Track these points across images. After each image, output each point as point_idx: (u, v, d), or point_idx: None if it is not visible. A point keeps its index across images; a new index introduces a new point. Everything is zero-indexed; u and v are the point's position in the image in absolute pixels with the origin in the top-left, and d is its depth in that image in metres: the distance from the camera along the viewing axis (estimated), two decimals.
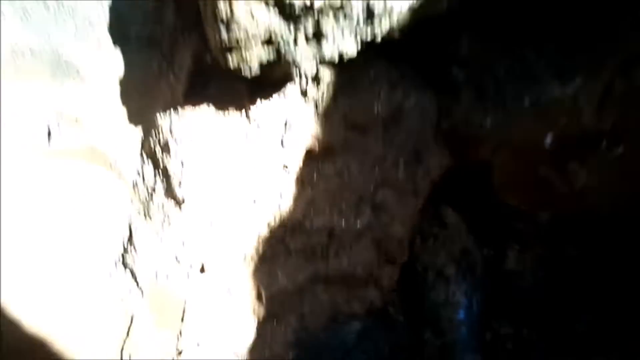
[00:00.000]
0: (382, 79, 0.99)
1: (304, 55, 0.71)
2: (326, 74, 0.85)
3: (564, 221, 1.27)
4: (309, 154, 0.90)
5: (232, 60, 0.67)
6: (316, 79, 0.83)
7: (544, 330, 1.32)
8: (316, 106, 0.87)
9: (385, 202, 1.07)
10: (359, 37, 0.70)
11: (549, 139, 1.14)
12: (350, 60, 0.91)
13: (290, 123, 0.86)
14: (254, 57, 0.68)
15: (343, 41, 0.69)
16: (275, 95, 0.83)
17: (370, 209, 1.05)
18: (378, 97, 0.98)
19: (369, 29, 0.70)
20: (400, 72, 1.02)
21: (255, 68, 0.70)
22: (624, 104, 1.16)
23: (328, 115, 0.87)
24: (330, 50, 0.71)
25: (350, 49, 0.72)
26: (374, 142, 1.03)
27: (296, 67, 0.73)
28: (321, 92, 0.86)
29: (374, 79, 0.97)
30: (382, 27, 0.71)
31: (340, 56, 0.74)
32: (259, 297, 0.96)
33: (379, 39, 0.73)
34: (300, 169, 0.90)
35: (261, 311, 0.98)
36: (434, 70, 1.06)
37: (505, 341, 1.33)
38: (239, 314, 0.96)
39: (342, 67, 0.88)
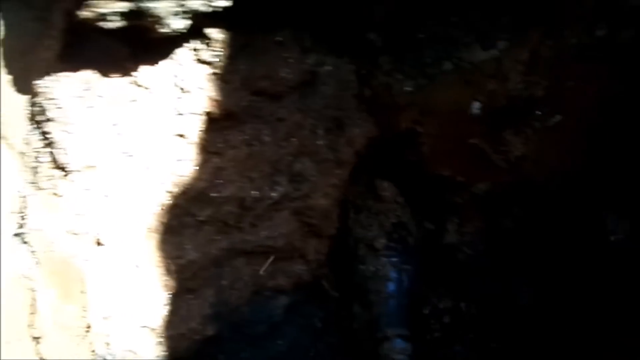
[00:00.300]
0: (291, 44, 0.95)
1: (166, 10, 0.67)
2: (217, 36, 0.81)
3: (502, 192, 1.23)
4: (211, 121, 0.86)
5: (90, 13, 0.64)
6: (204, 40, 0.79)
7: (483, 304, 1.30)
8: (213, 70, 0.83)
9: (304, 172, 1.03)
10: None
11: (476, 106, 1.10)
12: (252, 23, 0.88)
13: (184, 88, 0.82)
14: (112, 10, 0.64)
15: None
16: (164, 59, 0.79)
17: (288, 179, 1.02)
18: (286, 63, 0.94)
19: None
20: (313, 37, 0.98)
21: (116, 22, 0.66)
22: (555, 69, 1.12)
23: (226, 80, 0.83)
24: (196, 3, 0.67)
25: (221, 1, 0.68)
26: (287, 110, 0.99)
27: (164, 24, 0.69)
28: (216, 55, 0.82)
29: (281, 44, 0.93)
30: None
31: (216, 11, 0.70)
32: (168, 270, 0.93)
33: None
34: (202, 136, 0.86)
35: (173, 285, 0.94)
36: (351, 36, 1.02)
37: (443, 315, 1.30)
38: (148, 288, 0.93)
39: (240, 30, 0.84)
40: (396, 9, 0.97)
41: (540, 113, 1.17)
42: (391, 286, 1.12)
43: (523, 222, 1.28)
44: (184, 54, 0.80)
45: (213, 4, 0.67)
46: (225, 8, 0.69)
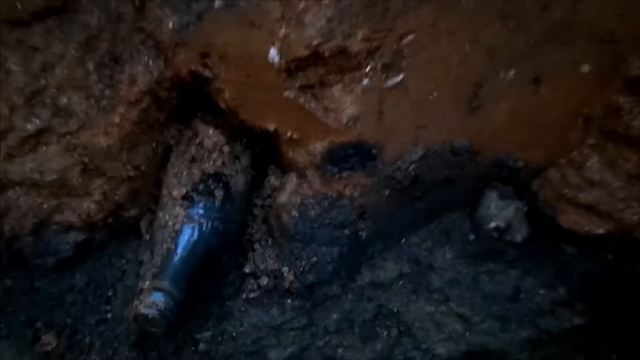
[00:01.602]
0: None
1: None
2: None
3: (342, 157, 1.11)
4: None
5: None
6: None
7: (305, 270, 1.22)
8: None
9: (71, 108, 0.97)
10: None
11: (273, 54, 0.98)
12: None
13: None
14: None
15: None
16: None
17: (51, 113, 0.97)
18: None
19: None
20: None
21: None
22: (383, 17, 0.95)
23: None
24: None
25: None
26: (42, 38, 0.93)
27: None
28: None
29: None
30: None
31: None
32: None
33: None
34: None
35: None
36: None
37: (262, 276, 1.24)
38: None
39: None
40: None
41: (368, 69, 1.02)
42: (178, 238, 1.06)
43: (370, 193, 1.16)
44: None
45: None
46: None
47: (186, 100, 1.10)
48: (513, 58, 0.99)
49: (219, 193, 1.06)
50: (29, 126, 0.91)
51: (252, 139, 1.16)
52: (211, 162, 1.09)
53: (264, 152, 1.23)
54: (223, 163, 1.10)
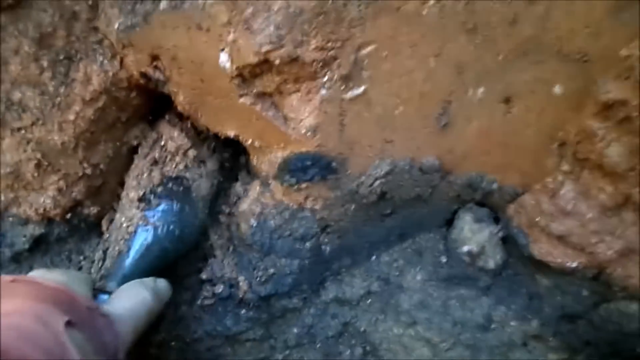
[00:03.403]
0: None
1: None
2: None
3: (302, 167, 1.08)
4: None
5: None
6: None
7: (262, 281, 1.18)
8: None
9: (25, 102, 0.97)
10: None
11: (224, 60, 0.95)
12: None
13: None
14: None
15: None
16: None
17: (4, 106, 0.98)
18: None
19: None
20: None
21: None
22: (323, 29, 0.91)
23: None
24: None
25: None
26: None
27: None
28: None
29: None
30: None
31: None
32: None
33: None
34: None
35: None
36: None
37: (217, 284, 1.21)
38: None
39: None
40: None
41: (325, 79, 0.98)
42: (132, 241, 1.05)
43: (334, 206, 1.12)
44: None
45: None
46: None
47: (153, 101, 1.08)
48: (482, 75, 0.92)
49: (178, 197, 1.03)
50: None
51: (221, 143, 1.13)
52: (173, 165, 1.07)
53: (234, 157, 1.20)
54: (186, 166, 1.07)
